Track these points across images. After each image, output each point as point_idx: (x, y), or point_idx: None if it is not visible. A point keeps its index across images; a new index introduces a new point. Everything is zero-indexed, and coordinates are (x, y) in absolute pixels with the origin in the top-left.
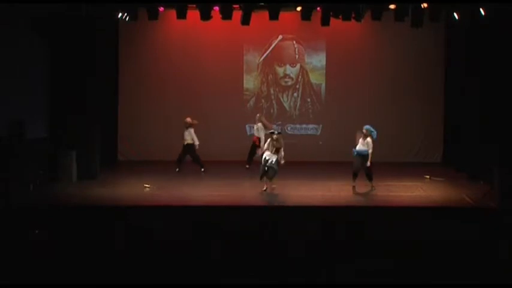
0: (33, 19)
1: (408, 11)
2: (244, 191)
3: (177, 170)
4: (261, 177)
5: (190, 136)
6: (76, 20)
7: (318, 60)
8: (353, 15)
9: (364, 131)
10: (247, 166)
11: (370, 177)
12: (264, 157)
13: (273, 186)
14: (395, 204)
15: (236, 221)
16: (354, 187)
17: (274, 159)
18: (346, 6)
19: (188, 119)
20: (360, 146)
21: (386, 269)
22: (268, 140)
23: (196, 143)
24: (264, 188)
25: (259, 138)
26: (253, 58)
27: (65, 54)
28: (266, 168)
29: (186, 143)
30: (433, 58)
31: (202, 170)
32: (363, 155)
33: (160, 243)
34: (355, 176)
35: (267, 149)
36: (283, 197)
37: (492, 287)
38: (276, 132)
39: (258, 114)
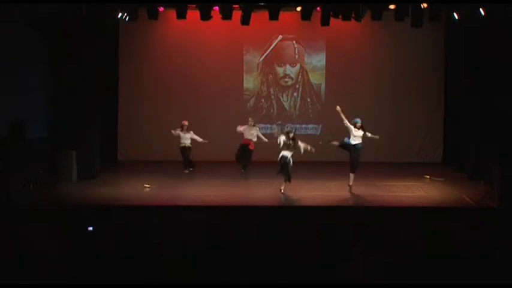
0: (33, 19)
1: (408, 11)
2: (244, 191)
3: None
4: (289, 179)
5: (190, 139)
6: (76, 20)
7: (318, 60)
8: (353, 15)
9: (358, 124)
10: (242, 171)
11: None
12: (281, 156)
13: (282, 189)
14: (396, 204)
15: (236, 221)
16: (350, 186)
17: (289, 156)
18: (346, 6)
19: (186, 122)
20: (354, 140)
21: (386, 269)
22: (283, 139)
23: (200, 140)
24: (282, 189)
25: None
26: (253, 58)
27: (64, 54)
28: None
29: (186, 145)
30: (433, 58)
31: (186, 171)
32: (359, 148)
33: (159, 243)
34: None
35: (283, 148)
36: (284, 197)
37: (492, 287)
38: (285, 130)
39: (250, 119)
